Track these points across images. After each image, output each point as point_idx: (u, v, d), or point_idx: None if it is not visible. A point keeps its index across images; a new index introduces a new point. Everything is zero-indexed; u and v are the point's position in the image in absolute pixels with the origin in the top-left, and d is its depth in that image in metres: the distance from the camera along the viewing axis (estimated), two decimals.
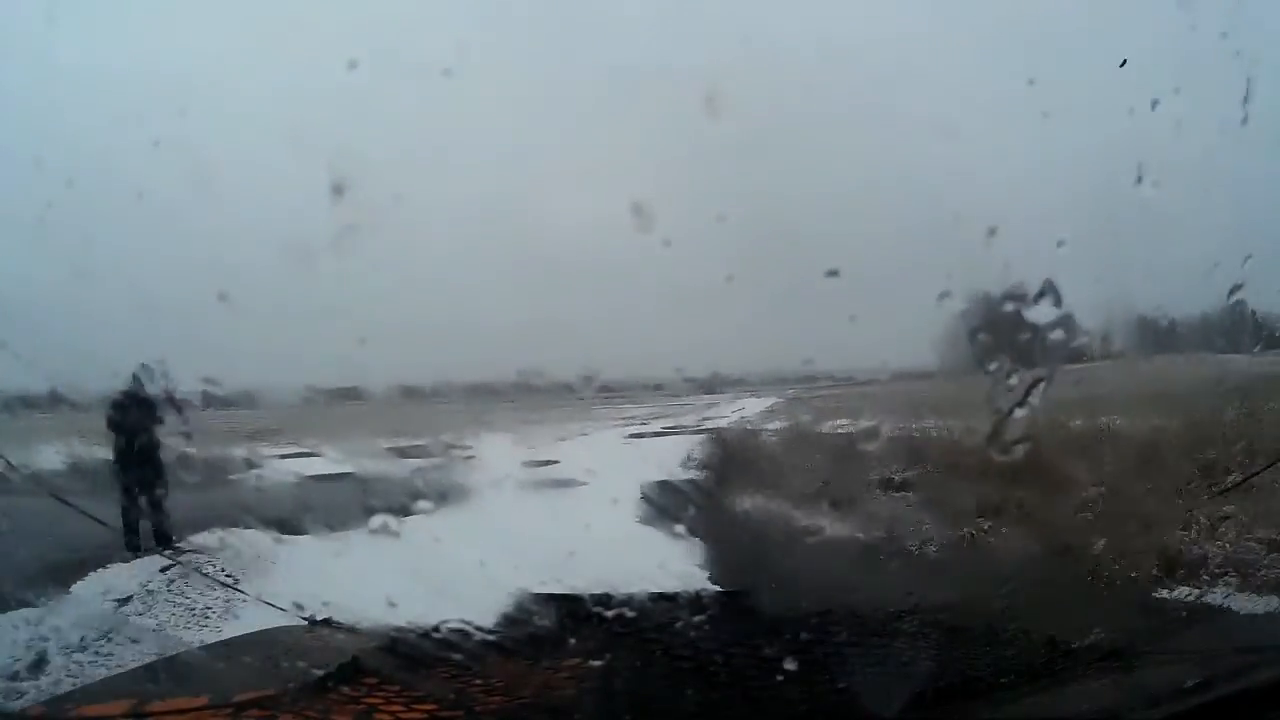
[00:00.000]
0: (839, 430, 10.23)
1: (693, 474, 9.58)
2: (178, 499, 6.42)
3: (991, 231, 1.75)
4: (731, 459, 10.58)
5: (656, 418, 17.10)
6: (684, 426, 14.92)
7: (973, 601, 2.10)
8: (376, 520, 2.52)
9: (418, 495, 5.69)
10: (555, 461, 9.84)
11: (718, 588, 3.47)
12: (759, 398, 18.79)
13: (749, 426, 14.53)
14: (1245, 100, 1.80)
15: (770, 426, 13.82)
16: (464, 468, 8.80)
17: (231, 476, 9.32)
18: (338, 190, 1.86)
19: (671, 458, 10.36)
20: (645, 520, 6.30)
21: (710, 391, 18.25)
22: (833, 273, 2.07)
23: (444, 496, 6.87)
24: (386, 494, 5.92)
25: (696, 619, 1.24)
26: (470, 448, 9.96)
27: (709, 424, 14.92)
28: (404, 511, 3.16)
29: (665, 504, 6.78)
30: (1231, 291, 2.05)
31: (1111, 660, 1.18)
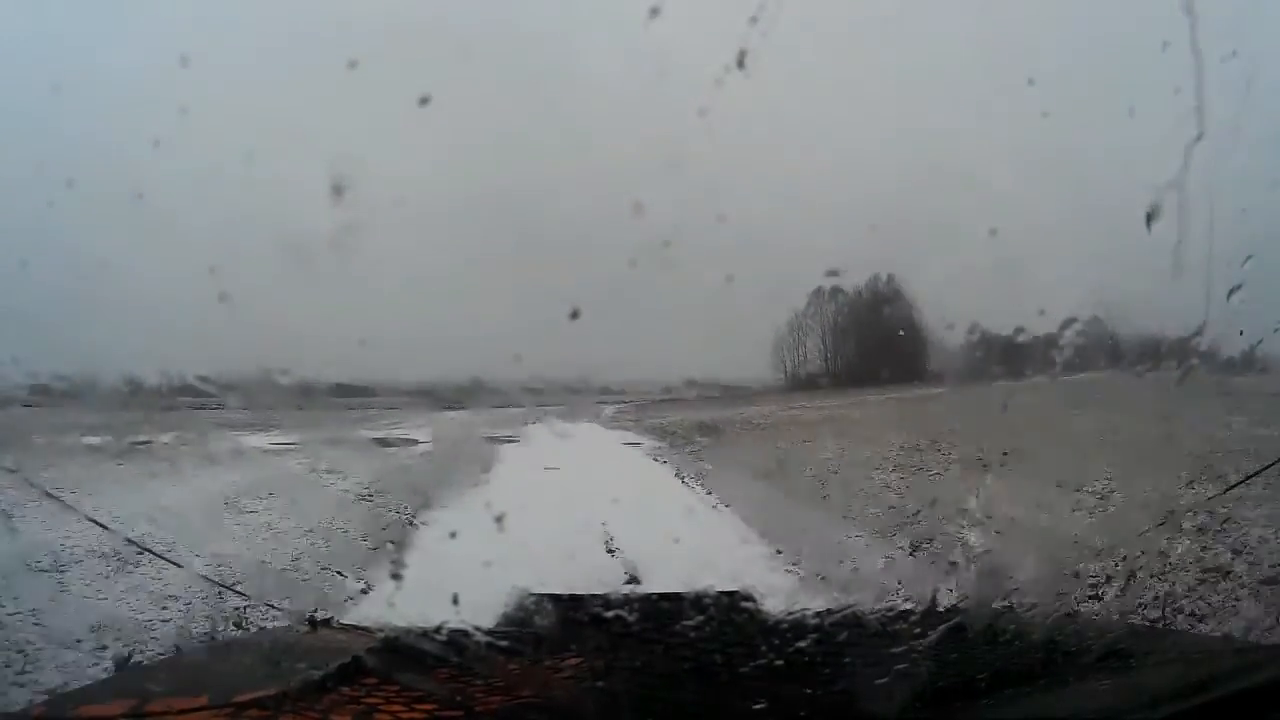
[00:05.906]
0: None
1: None
2: None
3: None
4: None
5: None
6: None
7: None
8: None
9: None
10: None
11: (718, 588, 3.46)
12: None
13: None
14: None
15: None
16: None
17: None
18: (337, 190, 1.85)
19: None
20: None
21: None
22: None
23: None
24: None
25: (696, 619, 1.24)
26: None
27: None
28: None
29: None
30: (1231, 292, 2.04)
31: (1111, 660, 1.18)
